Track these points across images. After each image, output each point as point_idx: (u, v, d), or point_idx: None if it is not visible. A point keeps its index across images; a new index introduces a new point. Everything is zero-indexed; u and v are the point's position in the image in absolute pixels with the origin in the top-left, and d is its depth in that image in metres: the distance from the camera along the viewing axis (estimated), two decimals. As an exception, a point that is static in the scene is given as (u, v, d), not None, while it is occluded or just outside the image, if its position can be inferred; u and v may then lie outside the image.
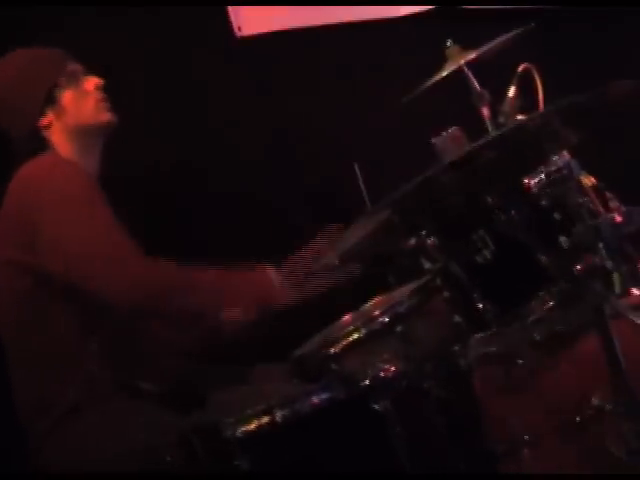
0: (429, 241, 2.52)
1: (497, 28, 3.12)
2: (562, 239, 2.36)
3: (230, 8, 3.79)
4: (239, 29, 3.81)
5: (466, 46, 3.14)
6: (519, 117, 2.77)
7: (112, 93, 2.70)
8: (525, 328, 2.52)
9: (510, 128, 2.43)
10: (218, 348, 2.76)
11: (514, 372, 2.49)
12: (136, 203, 3.13)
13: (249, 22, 3.82)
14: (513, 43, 3.11)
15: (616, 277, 2.39)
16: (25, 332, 2.50)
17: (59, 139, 2.63)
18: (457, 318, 2.47)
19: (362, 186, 3.27)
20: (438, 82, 3.13)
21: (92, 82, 2.68)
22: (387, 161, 3.74)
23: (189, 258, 2.47)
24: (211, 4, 3.74)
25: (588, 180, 2.56)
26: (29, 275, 2.47)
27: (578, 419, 2.39)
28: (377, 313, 2.49)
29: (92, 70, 2.71)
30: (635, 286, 2.46)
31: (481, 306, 2.42)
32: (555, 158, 2.46)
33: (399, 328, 2.44)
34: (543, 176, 2.43)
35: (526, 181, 2.43)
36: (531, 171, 2.44)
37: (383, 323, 2.45)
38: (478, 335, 2.53)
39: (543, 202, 2.43)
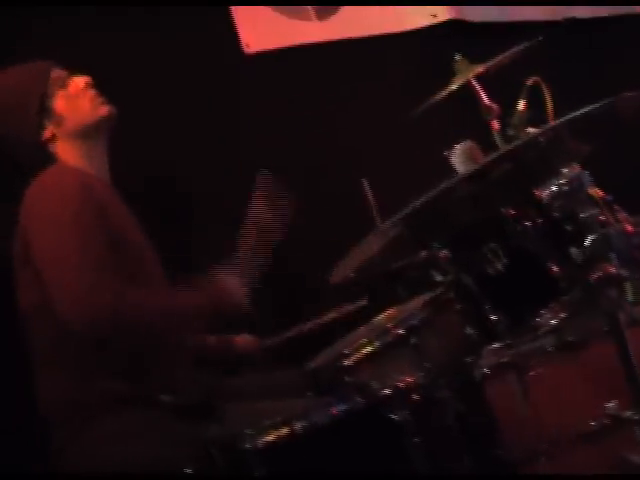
0: (441, 254, 2.54)
1: (505, 41, 3.14)
2: (573, 250, 2.37)
3: (238, 25, 3.81)
4: (247, 46, 3.83)
5: (474, 60, 3.17)
6: (528, 130, 2.79)
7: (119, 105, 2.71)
8: (537, 338, 2.54)
9: (524, 141, 2.44)
10: (233, 362, 2.78)
11: (528, 382, 2.50)
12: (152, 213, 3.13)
13: (257, 39, 3.85)
14: (522, 56, 3.14)
15: (629, 286, 2.41)
16: (48, 340, 2.50)
17: (64, 149, 2.64)
18: (470, 330, 2.47)
19: (372, 201, 3.29)
20: (447, 96, 3.16)
21: (80, 82, 2.68)
22: (395, 175, 3.74)
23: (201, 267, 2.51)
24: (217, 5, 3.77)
25: (596, 193, 2.58)
26: (35, 289, 2.47)
27: (594, 427, 2.40)
28: (391, 325, 2.51)
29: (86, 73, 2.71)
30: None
31: (493, 317, 2.43)
32: (566, 170, 2.48)
33: (413, 340, 2.45)
34: (554, 188, 2.44)
35: (537, 193, 2.45)
36: (542, 183, 2.45)
37: (397, 335, 2.47)
38: (491, 346, 2.55)
39: (554, 214, 2.43)
